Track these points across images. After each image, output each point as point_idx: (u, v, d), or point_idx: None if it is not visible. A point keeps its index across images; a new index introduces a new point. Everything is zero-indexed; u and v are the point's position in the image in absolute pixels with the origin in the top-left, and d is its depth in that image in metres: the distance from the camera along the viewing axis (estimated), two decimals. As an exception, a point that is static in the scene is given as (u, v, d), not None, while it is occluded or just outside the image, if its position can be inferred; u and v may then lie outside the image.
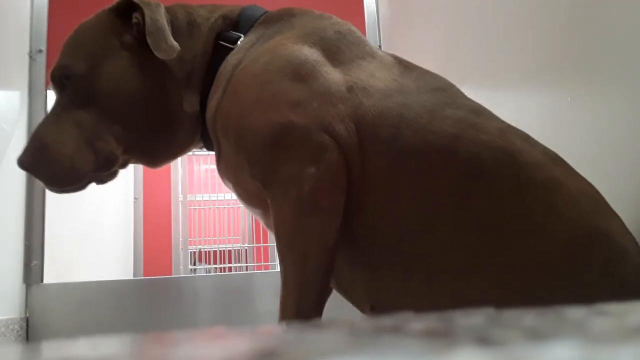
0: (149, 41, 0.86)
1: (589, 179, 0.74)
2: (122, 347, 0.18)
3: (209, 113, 0.86)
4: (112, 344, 0.19)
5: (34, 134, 0.89)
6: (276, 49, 0.81)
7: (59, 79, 0.90)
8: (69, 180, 0.88)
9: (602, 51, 0.95)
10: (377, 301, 0.79)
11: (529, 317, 0.23)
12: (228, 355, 0.14)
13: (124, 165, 0.94)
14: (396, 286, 0.76)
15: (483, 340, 0.18)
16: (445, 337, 0.19)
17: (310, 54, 0.80)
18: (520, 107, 1.23)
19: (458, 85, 0.83)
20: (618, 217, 0.72)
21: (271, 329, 0.22)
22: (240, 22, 0.92)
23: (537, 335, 0.19)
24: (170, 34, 0.87)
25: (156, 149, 0.93)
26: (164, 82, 0.90)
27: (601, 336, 0.18)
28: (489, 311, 0.25)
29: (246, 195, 0.85)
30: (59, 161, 0.86)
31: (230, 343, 0.15)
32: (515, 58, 1.25)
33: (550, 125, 1.10)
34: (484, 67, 1.40)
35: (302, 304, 0.72)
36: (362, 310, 0.83)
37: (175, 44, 0.87)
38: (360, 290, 0.81)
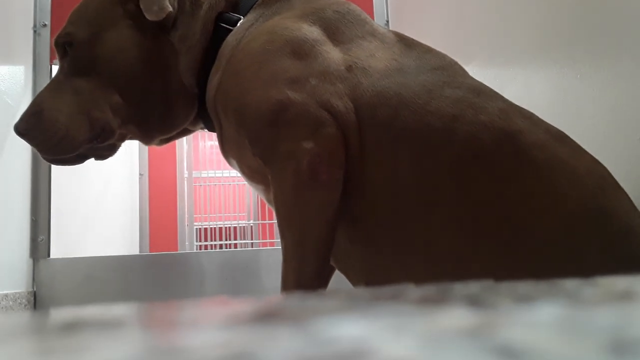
0: (141, 5, 0.86)
1: (597, 156, 0.74)
2: (130, 310, 0.18)
3: (210, 93, 0.86)
4: (120, 308, 0.19)
5: (33, 101, 0.89)
6: (275, 28, 0.81)
7: (62, 46, 0.89)
8: (62, 148, 0.86)
9: (611, 27, 0.94)
10: (373, 279, 0.79)
11: (523, 286, 0.24)
12: (230, 316, 0.14)
13: (121, 140, 0.94)
14: (393, 265, 0.76)
15: (474, 303, 0.19)
16: (439, 302, 0.20)
17: (310, 32, 0.80)
18: (529, 84, 1.22)
19: (466, 63, 0.82)
20: (625, 194, 0.71)
21: (273, 297, 0.22)
22: (239, 3, 0.92)
23: (525, 300, 0.19)
24: None
25: (151, 125, 0.92)
26: (166, 57, 0.89)
27: (586, 300, 0.19)
28: (487, 282, 0.26)
29: (249, 172, 0.86)
30: (53, 128, 0.85)
31: (233, 307, 0.16)
32: (524, 35, 1.23)
33: (560, 102, 1.09)
34: (493, 44, 1.38)
35: (302, 277, 0.73)
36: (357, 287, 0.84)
37: (167, 5, 0.87)
38: (357, 267, 0.81)
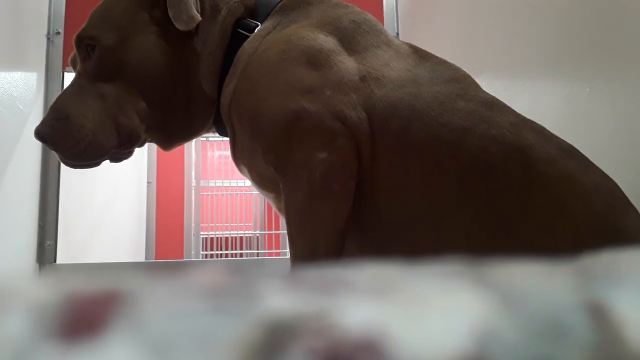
0: (170, 13, 0.87)
1: (607, 171, 0.73)
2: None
3: (225, 100, 0.87)
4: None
5: (53, 105, 0.86)
6: (292, 38, 0.82)
7: (85, 49, 0.88)
8: (90, 155, 0.85)
9: (621, 41, 0.94)
10: None
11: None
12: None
13: (141, 144, 0.93)
14: None
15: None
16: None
17: (326, 42, 0.81)
18: (538, 97, 1.21)
19: (476, 75, 0.82)
20: (635, 210, 0.71)
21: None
22: (257, 10, 0.93)
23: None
24: (192, 6, 0.87)
25: (173, 130, 0.93)
26: (190, 63, 0.90)
27: (566, 261, 0.19)
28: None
29: (260, 180, 0.86)
30: (79, 134, 0.83)
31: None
32: (534, 48, 1.23)
33: (569, 116, 1.09)
34: (502, 57, 1.39)
35: None
36: None
37: (197, 14, 0.87)
38: None
